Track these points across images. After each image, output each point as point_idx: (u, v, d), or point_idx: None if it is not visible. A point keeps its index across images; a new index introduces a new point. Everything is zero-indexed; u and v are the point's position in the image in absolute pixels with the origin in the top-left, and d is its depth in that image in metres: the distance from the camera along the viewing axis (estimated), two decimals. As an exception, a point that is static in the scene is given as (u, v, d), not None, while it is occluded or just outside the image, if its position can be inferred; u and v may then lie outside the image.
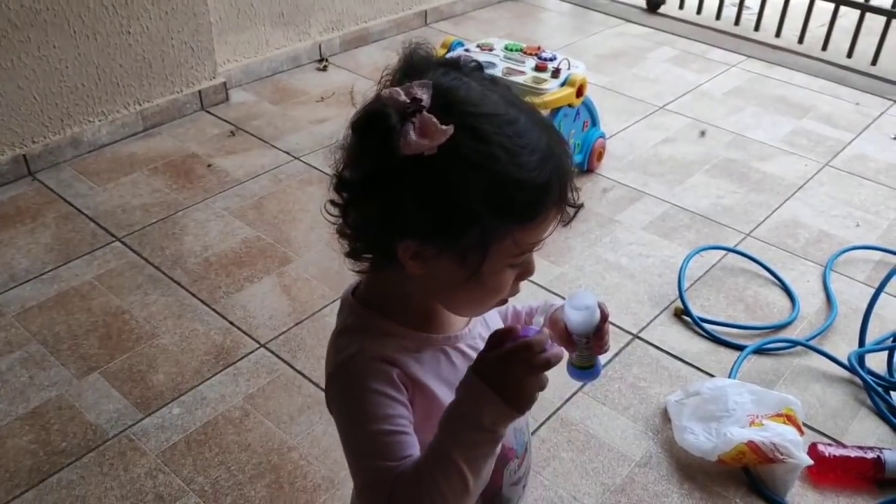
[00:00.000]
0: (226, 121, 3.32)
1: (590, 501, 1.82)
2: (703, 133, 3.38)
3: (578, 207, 0.85)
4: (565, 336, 0.99)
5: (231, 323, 2.29)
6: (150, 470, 1.86)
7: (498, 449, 0.79)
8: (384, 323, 0.89)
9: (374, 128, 0.77)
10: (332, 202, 0.87)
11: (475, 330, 0.97)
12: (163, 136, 3.20)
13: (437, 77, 0.79)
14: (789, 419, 1.90)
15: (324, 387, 0.93)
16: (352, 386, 0.84)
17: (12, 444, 1.92)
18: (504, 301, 0.90)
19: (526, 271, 0.87)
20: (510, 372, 0.76)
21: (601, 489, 1.85)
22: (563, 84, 2.69)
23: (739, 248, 2.68)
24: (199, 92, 3.36)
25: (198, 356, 2.18)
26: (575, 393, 2.09)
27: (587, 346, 0.99)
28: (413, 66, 0.82)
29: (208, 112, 3.39)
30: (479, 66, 0.85)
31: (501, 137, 0.76)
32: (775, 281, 2.54)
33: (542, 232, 0.82)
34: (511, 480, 1.02)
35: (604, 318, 0.98)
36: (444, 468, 0.76)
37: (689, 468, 1.90)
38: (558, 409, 2.05)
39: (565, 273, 2.54)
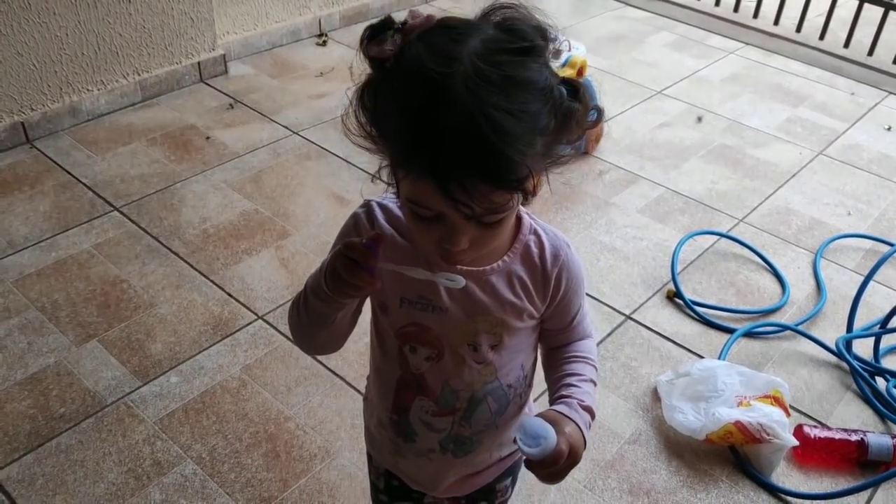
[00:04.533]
0: (224, 93, 3.32)
1: (580, 476, 1.86)
2: (699, 119, 3.41)
3: (466, 204, 0.78)
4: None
5: (229, 294, 2.31)
6: (148, 437, 1.89)
7: (334, 311, 0.97)
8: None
9: (377, 26, 0.84)
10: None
11: (489, 276, 0.97)
12: (161, 106, 3.20)
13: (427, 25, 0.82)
14: (776, 401, 1.94)
15: None
16: (352, 216, 1.02)
17: (11, 408, 1.94)
18: (446, 255, 0.87)
19: (442, 238, 0.84)
20: (336, 258, 0.89)
21: (591, 465, 1.89)
22: (563, 65, 2.71)
23: (732, 233, 2.71)
24: (199, 63, 3.35)
25: (196, 326, 2.20)
26: (567, 371, 2.13)
27: (528, 467, 0.92)
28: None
29: (207, 84, 3.38)
30: (509, 28, 0.83)
31: (420, 69, 0.78)
32: (766, 266, 2.58)
33: (419, 194, 0.81)
34: (423, 418, 1.06)
35: (556, 455, 0.89)
36: (296, 304, 1.01)
37: (678, 446, 1.94)
38: (551, 386, 2.08)
39: (560, 253, 2.56)
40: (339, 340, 1.06)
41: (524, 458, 0.91)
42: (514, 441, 0.90)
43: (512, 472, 1.23)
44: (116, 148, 2.93)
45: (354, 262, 0.87)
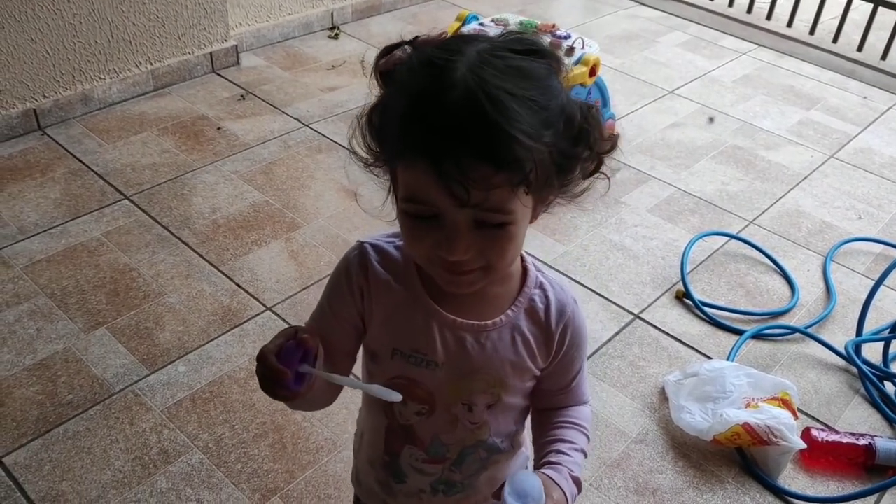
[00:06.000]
0: (236, 84, 3.32)
1: (586, 474, 1.86)
2: (711, 120, 3.40)
3: (466, 185, 0.73)
4: None
5: (238, 285, 2.31)
6: (155, 425, 1.89)
7: (307, 399, 0.88)
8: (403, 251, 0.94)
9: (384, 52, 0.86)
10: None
11: (468, 328, 0.92)
12: (173, 96, 3.20)
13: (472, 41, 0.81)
14: (785, 403, 1.94)
15: None
16: (344, 259, 0.97)
17: (19, 393, 1.94)
18: (448, 267, 0.81)
19: (437, 245, 0.79)
20: (257, 369, 0.84)
21: (598, 463, 1.89)
22: (576, 63, 2.70)
23: (742, 234, 2.70)
24: (211, 54, 3.36)
25: (204, 316, 2.20)
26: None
27: None
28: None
29: (219, 75, 3.38)
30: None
31: (411, 70, 0.79)
32: (776, 268, 2.57)
33: (414, 184, 0.76)
34: (413, 464, 1.01)
35: None
36: None
37: (684, 447, 1.94)
38: (558, 383, 2.08)
39: (570, 251, 2.56)
40: (322, 405, 1.01)
41: None
42: (500, 495, 0.84)
43: None
44: (128, 137, 2.93)
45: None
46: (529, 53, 0.78)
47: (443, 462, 1.01)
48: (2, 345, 2.06)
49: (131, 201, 2.61)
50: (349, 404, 1.90)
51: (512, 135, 0.72)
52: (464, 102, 0.72)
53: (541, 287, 0.95)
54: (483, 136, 0.71)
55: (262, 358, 0.82)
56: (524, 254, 0.93)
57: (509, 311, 0.93)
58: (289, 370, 0.81)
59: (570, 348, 0.97)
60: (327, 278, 0.99)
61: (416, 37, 0.84)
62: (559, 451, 0.97)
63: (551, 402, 1.02)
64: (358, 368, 1.03)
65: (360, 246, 0.95)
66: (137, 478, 1.77)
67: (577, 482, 0.95)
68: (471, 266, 0.81)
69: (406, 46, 0.82)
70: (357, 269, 0.93)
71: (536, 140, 0.74)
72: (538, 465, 0.97)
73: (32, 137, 2.87)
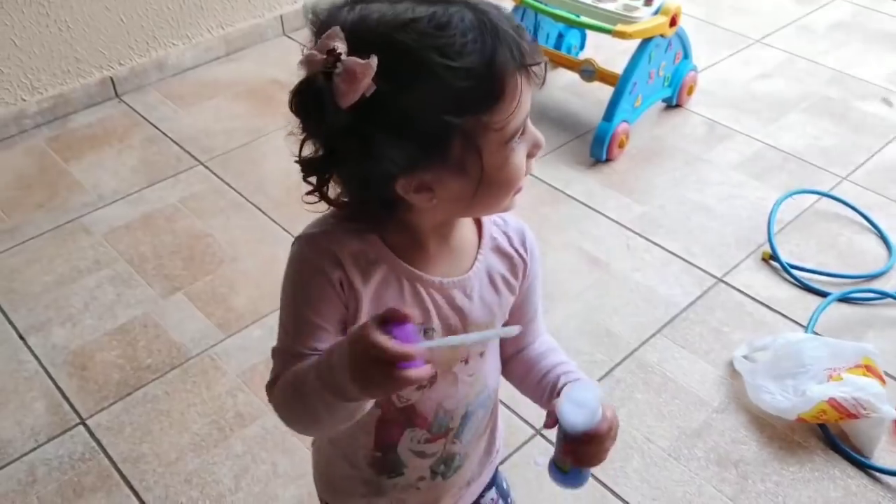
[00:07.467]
0: (307, 47, 3.30)
1: (664, 443, 1.80)
2: (888, 102, 3.01)
3: (542, 62, 0.78)
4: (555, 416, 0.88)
5: (310, 250, 2.31)
6: (231, 389, 1.92)
7: (361, 406, 0.79)
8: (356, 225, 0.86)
9: (307, 100, 0.74)
10: (310, 191, 0.85)
11: (453, 285, 0.90)
12: (245, 60, 3.21)
13: (343, 18, 0.75)
14: (869, 370, 1.82)
15: None
16: (299, 263, 0.88)
17: (101, 357, 1.99)
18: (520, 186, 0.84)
19: (534, 145, 0.81)
20: (362, 359, 0.71)
21: (676, 432, 1.83)
22: (656, 12, 2.57)
23: (834, 192, 2.55)
24: (281, 17, 3.34)
25: (277, 281, 2.19)
26: (653, 335, 2.05)
27: (564, 446, 0.85)
28: (322, 23, 0.76)
29: (289, 37, 3.37)
30: None
31: (425, 39, 0.72)
32: (871, 228, 2.41)
33: (516, 102, 0.77)
34: (413, 448, 0.97)
35: (603, 431, 0.85)
36: (308, 391, 0.80)
37: (770, 415, 1.85)
38: (635, 350, 2.01)
39: (647, 212, 2.46)
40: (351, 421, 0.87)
41: (564, 436, 0.83)
42: (553, 415, 0.82)
43: (496, 482, 1.17)
44: (201, 102, 2.95)
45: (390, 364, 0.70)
46: None
47: (445, 436, 0.98)
48: (84, 310, 2.12)
49: (206, 167, 2.63)
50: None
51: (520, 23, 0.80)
52: (507, 23, 0.76)
53: (493, 223, 0.95)
54: (517, 25, 0.77)
55: (374, 345, 0.69)
56: None
57: (479, 256, 0.92)
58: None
59: (532, 268, 0.98)
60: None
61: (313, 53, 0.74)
62: (567, 372, 0.98)
63: (519, 343, 1.03)
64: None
65: (310, 240, 0.88)
66: (214, 441, 1.80)
67: None
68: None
69: (337, 70, 0.71)
70: (329, 262, 0.85)
71: None
72: (550, 398, 0.96)
73: (110, 105, 2.93)
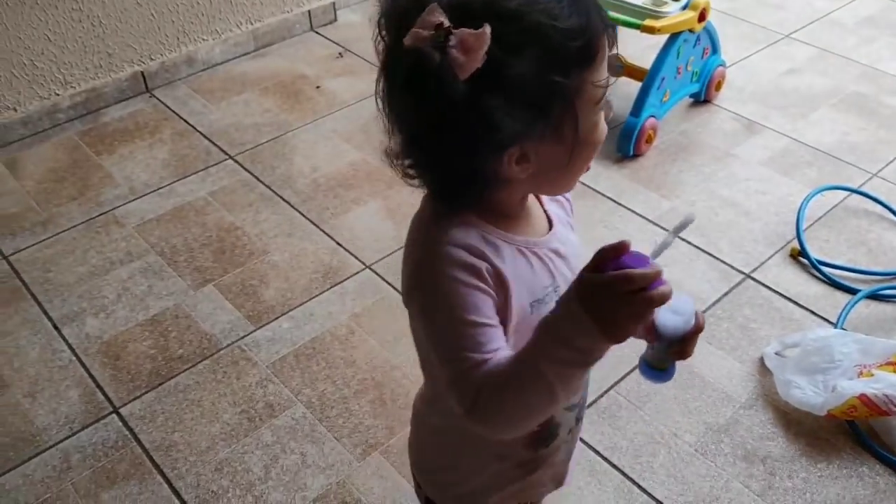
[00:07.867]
0: (334, 42, 3.32)
1: (690, 439, 1.80)
2: None
3: (612, 25, 0.83)
4: (651, 329, 0.89)
5: (338, 243, 2.33)
6: (261, 380, 1.94)
7: (591, 368, 0.79)
8: (466, 216, 0.86)
9: (422, 76, 0.74)
10: (407, 170, 0.86)
11: (553, 239, 0.94)
12: (273, 56, 3.23)
13: None
14: (902, 367, 1.81)
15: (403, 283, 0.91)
16: (437, 273, 0.82)
17: (133, 348, 2.03)
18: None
19: (608, 107, 0.85)
20: (607, 303, 0.71)
21: (703, 428, 1.82)
22: (684, 7, 2.56)
23: (864, 188, 2.52)
24: (309, 12, 3.36)
25: (306, 274, 2.23)
26: (680, 330, 2.05)
27: (668, 350, 0.91)
28: (403, 6, 0.76)
29: (317, 33, 3.39)
30: None
31: (531, 4, 0.75)
32: (902, 225, 2.39)
33: (604, 62, 0.81)
34: (564, 404, 0.99)
35: (697, 328, 0.89)
36: (534, 379, 0.75)
37: (797, 412, 1.84)
38: (662, 345, 2.01)
39: (676, 207, 2.46)
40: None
41: (669, 342, 0.89)
42: (658, 325, 0.87)
43: None
44: (230, 97, 2.98)
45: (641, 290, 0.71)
46: None
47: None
48: (117, 301, 2.15)
49: (235, 161, 2.66)
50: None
51: None
52: None
53: None
54: None
55: (620, 280, 0.70)
56: None
57: (546, 209, 0.97)
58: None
59: (573, 204, 1.05)
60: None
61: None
62: None
63: None
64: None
65: (452, 240, 0.84)
66: (244, 430, 1.83)
67: None
68: None
69: (451, 43, 0.72)
70: (476, 258, 0.83)
71: None
72: None
73: (141, 100, 2.96)
